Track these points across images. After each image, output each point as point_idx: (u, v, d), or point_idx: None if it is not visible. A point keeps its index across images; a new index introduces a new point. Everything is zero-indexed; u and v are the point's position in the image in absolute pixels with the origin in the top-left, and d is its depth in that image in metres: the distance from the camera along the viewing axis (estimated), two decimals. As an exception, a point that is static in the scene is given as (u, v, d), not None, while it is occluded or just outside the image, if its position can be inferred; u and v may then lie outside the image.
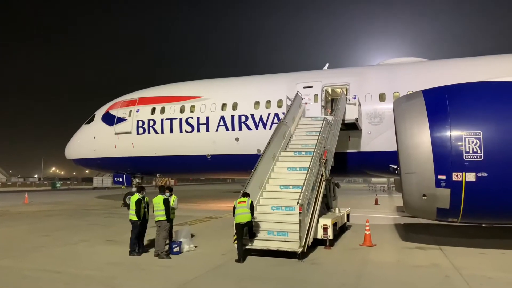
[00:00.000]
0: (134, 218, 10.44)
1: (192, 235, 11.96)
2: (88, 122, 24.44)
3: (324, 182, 12.19)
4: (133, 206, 10.48)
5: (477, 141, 9.44)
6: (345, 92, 18.06)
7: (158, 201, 10.50)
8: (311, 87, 18.82)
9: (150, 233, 11.24)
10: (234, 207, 10.02)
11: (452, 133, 9.69)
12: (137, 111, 22.41)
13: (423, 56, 21.28)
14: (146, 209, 10.95)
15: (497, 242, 11.99)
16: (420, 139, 10.04)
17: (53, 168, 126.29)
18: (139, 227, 10.51)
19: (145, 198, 11.27)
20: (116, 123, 22.75)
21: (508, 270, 8.73)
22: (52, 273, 8.58)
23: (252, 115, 19.69)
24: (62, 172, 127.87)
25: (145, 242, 11.04)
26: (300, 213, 9.93)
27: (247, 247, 10.03)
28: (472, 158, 9.42)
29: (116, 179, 24.56)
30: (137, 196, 10.64)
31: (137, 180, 24.29)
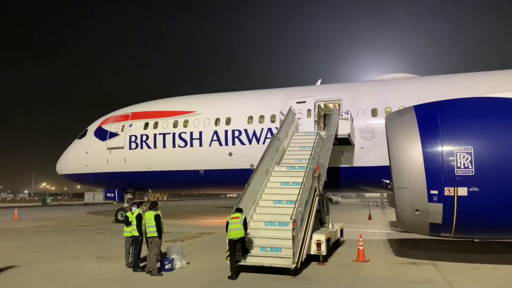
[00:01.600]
0: (136, 233, 10.44)
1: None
2: (81, 137, 24.31)
3: (317, 197, 12.17)
4: (134, 221, 10.50)
5: (469, 156, 9.52)
6: (337, 108, 18.22)
7: (149, 217, 10.38)
8: (304, 102, 18.96)
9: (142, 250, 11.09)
10: (227, 223, 9.94)
11: (443, 148, 9.77)
12: (130, 126, 22.35)
13: (415, 72, 21.62)
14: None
15: (490, 257, 12.00)
16: (412, 154, 10.10)
17: (44, 184, 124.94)
18: (140, 242, 10.52)
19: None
20: (109, 138, 22.65)
21: (500, 285, 8.73)
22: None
23: (246, 130, 19.74)
24: (53, 188, 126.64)
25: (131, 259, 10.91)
26: (293, 228, 9.88)
27: (240, 263, 9.92)
28: (464, 173, 9.48)
29: (108, 194, 24.33)
30: (138, 211, 10.66)
31: (129, 196, 24.07)
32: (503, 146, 9.63)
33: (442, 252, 12.90)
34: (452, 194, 9.53)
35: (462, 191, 9.47)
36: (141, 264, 10.45)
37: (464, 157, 9.52)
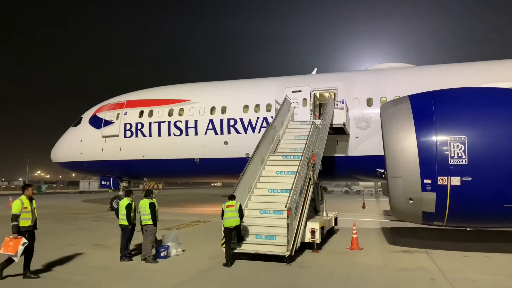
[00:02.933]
0: (125, 223, 10.30)
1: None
2: (75, 125, 24.19)
3: (312, 186, 12.26)
4: (123, 211, 10.31)
5: (462, 145, 9.59)
6: (333, 97, 18.22)
7: (144, 205, 10.39)
8: (300, 91, 18.95)
9: (137, 238, 11.15)
10: (223, 211, 10.01)
11: (437, 138, 9.84)
12: (125, 114, 22.26)
13: (410, 61, 21.65)
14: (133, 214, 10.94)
15: (482, 245, 12.18)
16: (407, 144, 10.17)
17: (39, 171, 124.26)
18: (129, 232, 10.41)
19: (132, 202, 11.23)
20: (104, 126, 22.56)
21: (492, 273, 8.87)
22: (38, 278, 8.46)
23: (241, 119, 19.72)
24: (48, 176, 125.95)
25: (131, 247, 10.94)
26: (288, 216, 9.97)
27: (235, 251, 10.02)
28: (457, 162, 9.57)
29: (103, 182, 24.32)
30: (126, 200, 10.50)
31: (124, 184, 24.09)
32: (496, 135, 9.71)
33: (434, 240, 13.07)
34: (446, 183, 9.62)
35: (455, 180, 9.57)
36: (133, 253, 10.49)
37: (457, 146, 9.60)
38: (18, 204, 8.37)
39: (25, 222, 8.42)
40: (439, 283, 8.04)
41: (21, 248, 8.08)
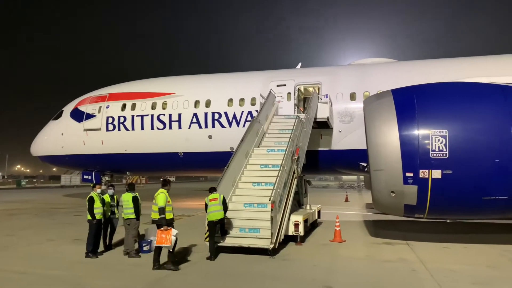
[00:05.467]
0: (88, 217, 10.06)
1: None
2: (56, 118, 23.69)
3: (296, 179, 12.31)
4: (87, 205, 10.07)
5: (443, 139, 9.76)
6: (317, 91, 18.28)
7: (126, 198, 10.27)
8: (284, 85, 18.95)
9: (120, 232, 11.03)
10: (206, 204, 9.96)
11: (419, 132, 9.98)
12: (107, 107, 21.90)
13: (393, 57, 21.83)
14: (116, 207, 10.83)
15: (460, 237, 12.47)
16: (389, 137, 10.29)
17: (18, 166, 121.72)
18: (96, 226, 10.08)
19: (115, 196, 11.08)
20: (85, 119, 22.16)
21: (470, 263, 9.09)
22: (17, 273, 8.29)
23: (226, 113, 19.63)
24: (28, 170, 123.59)
25: (113, 241, 10.81)
26: (272, 209, 10.00)
27: (219, 244, 9.99)
28: (438, 156, 9.73)
29: (85, 176, 23.90)
30: (91, 194, 10.21)
31: (107, 178, 23.74)
32: (475, 129, 9.92)
33: (416, 232, 13.30)
34: (427, 176, 9.79)
35: (436, 174, 9.74)
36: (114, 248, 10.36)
37: (439, 140, 9.76)
38: (164, 198, 8.78)
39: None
40: (420, 273, 8.19)
41: (173, 239, 8.55)
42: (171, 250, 8.61)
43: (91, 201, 10.09)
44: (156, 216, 8.88)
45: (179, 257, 9.59)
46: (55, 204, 26.54)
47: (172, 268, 8.46)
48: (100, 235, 10.36)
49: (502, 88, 10.84)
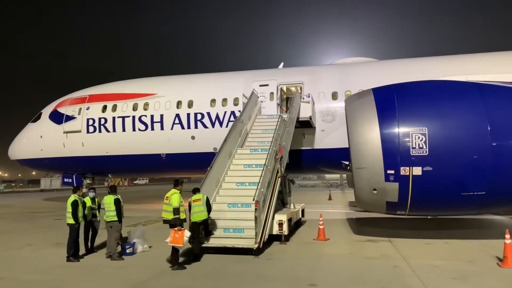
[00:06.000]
0: (71, 221, 9.77)
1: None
2: (34, 121, 23.11)
3: (279, 179, 12.34)
4: (69, 209, 9.77)
5: (423, 137, 9.93)
6: (299, 91, 18.37)
7: (108, 201, 10.09)
8: (267, 85, 18.96)
9: (102, 235, 10.85)
10: (190, 205, 9.89)
11: (400, 130, 10.13)
12: (87, 109, 21.51)
13: (374, 56, 22.10)
14: (97, 210, 10.65)
15: (442, 233, 12.70)
16: (370, 136, 10.41)
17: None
18: (76, 230, 9.84)
19: (96, 199, 10.89)
20: (65, 121, 21.71)
21: (451, 259, 9.26)
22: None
23: (208, 113, 19.52)
24: (6, 174, 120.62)
25: (95, 244, 10.63)
26: (256, 209, 9.99)
27: (203, 245, 9.95)
28: (419, 153, 9.90)
29: (66, 180, 23.35)
30: (73, 197, 9.91)
31: (88, 181, 23.32)
32: (454, 127, 10.13)
33: (398, 229, 13.48)
34: (408, 173, 9.94)
35: (417, 171, 9.90)
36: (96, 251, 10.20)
37: (419, 138, 9.93)
38: (178, 198, 8.96)
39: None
40: (402, 269, 8.31)
41: (186, 239, 8.72)
42: (180, 250, 8.88)
43: (75, 204, 9.85)
44: (169, 216, 9.05)
45: (165, 258, 9.51)
46: (35, 208, 25.96)
47: (179, 268, 8.63)
48: (78, 238, 10.14)
49: (479, 86, 11.09)
